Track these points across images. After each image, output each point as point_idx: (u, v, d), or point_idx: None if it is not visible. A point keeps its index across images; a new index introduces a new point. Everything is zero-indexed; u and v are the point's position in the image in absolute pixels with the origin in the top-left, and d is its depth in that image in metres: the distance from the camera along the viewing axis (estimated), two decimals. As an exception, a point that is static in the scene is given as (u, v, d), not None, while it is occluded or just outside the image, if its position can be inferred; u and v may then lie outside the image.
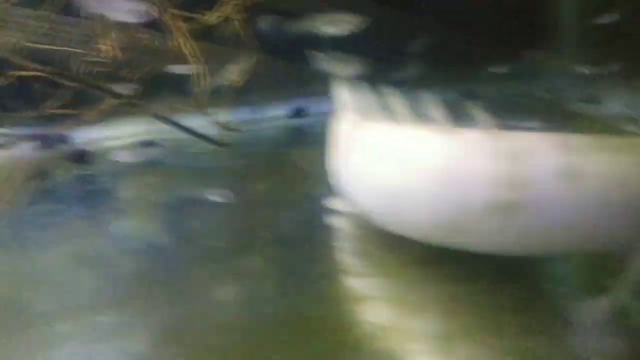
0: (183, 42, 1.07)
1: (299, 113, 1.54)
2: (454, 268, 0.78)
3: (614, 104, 1.40)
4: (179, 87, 1.27)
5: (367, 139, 0.86)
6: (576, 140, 0.65)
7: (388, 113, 0.85)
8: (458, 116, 0.77)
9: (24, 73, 1.08)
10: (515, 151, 0.68)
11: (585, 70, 1.32)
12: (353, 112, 0.93)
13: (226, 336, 0.68)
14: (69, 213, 1.07)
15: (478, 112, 0.74)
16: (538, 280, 0.77)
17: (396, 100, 0.85)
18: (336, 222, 0.95)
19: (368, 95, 0.91)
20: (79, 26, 1.15)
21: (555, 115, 1.45)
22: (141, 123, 1.39)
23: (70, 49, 1.14)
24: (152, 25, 1.18)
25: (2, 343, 0.67)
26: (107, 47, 1.04)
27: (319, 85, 1.13)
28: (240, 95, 1.39)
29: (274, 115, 1.57)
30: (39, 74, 1.08)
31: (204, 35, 1.21)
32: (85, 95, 1.23)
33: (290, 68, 1.43)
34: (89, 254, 0.90)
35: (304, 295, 0.77)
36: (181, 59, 1.17)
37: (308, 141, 1.04)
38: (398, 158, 0.78)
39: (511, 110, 1.48)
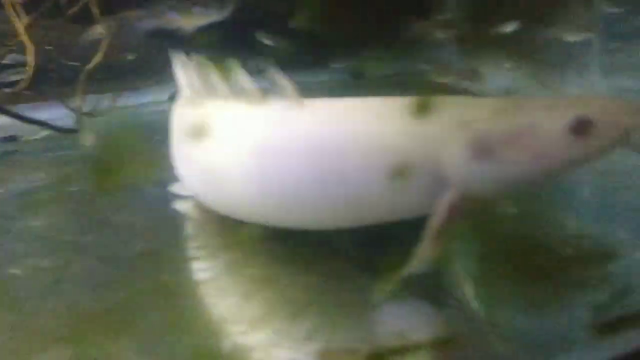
0: (15, 18, 1.00)
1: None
2: (277, 248, 0.75)
3: (495, 78, 1.40)
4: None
5: (190, 118, 0.82)
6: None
7: (215, 90, 0.81)
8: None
9: None
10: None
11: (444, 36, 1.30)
12: (185, 90, 0.88)
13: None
14: None
15: (286, 86, 0.71)
16: (364, 256, 0.74)
17: (228, 75, 0.81)
18: (179, 206, 0.91)
19: (204, 72, 0.86)
20: None
21: (435, 91, 1.44)
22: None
23: None
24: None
25: None
26: None
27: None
28: (120, 79, 1.33)
29: (156, 99, 1.51)
30: None
31: (54, 13, 1.14)
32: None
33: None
34: None
35: (121, 283, 0.72)
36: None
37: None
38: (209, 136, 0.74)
39: (394, 89, 1.48)
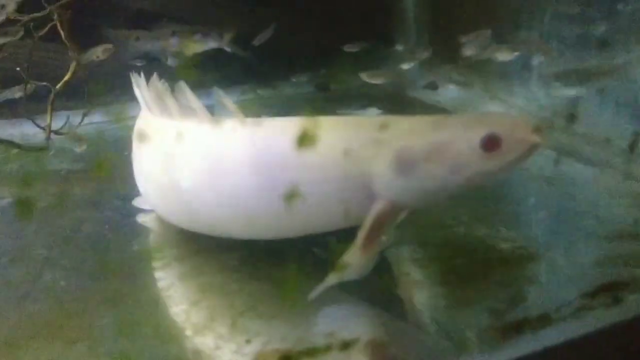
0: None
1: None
2: (230, 257, 0.80)
3: (447, 89, 1.47)
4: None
5: (148, 134, 0.87)
6: None
7: (167, 108, 0.86)
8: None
9: None
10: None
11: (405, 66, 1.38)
12: (144, 107, 0.93)
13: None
14: None
15: (231, 105, 0.76)
16: (308, 264, 0.79)
17: (183, 94, 0.86)
18: (141, 219, 0.96)
19: (157, 91, 0.90)
20: None
21: (396, 102, 1.51)
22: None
23: None
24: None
25: None
26: None
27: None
28: (89, 95, 1.37)
29: (128, 115, 1.55)
30: None
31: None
32: None
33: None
34: None
35: (83, 293, 0.77)
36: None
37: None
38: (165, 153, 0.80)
39: (358, 100, 1.54)
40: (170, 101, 0.82)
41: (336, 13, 1.58)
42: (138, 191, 0.96)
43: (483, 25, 1.15)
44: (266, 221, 0.70)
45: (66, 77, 1.26)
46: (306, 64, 1.55)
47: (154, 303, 0.74)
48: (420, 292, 0.72)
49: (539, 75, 1.14)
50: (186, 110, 0.79)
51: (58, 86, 1.24)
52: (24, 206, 0.85)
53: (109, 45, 1.18)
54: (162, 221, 0.91)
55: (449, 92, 1.48)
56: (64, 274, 0.82)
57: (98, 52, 1.18)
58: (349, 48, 1.37)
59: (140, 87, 0.92)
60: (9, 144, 1.17)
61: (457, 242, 0.81)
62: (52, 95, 1.24)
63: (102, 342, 0.66)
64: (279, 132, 0.69)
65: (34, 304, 0.75)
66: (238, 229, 0.73)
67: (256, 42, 1.44)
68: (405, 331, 0.67)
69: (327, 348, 0.58)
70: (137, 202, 0.97)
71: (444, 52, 1.33)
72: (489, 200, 0.92)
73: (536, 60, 1.12)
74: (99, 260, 0.86)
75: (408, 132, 0.65)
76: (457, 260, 0.76)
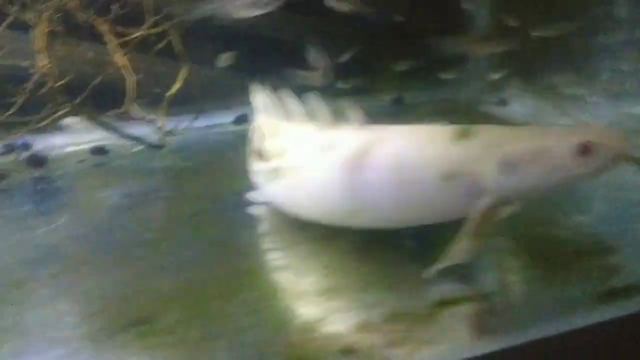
0: (117, 54, 1.22)
1: (242, 119, 1.68)
2: (343, 242, 0.93)
3: (517, 105, 1.60)
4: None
5: (272, 139, 1.02)
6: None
7: (292, 115, 1.01)
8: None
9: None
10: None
11: (495, 76, 1.51)
12: (264, 115, 1.08)
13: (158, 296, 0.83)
14: (21, 208, 1.20)
15: (354, 113, 0.90)
16: (411, 250, 0.92)
17: (299, 102, 1.01)
18: (255, 210, 1.10)
19: (278, 99, 1.05)
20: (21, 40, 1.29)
21: (469, 116, 1.64)
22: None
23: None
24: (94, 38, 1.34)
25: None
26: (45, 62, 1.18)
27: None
28: (191, 104, 1.54)
29: (221, 121, 1.72)
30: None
31: (143, 48, 1.36)
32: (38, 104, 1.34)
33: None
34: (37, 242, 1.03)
35: (218, 266, 0.91)
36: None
37: (246, 144, 1.17)
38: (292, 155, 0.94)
39: (433, 113, 1.67)
40: (295, 108, 0.97)
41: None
42: (248, 186, 1.10)
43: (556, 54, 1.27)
44: (407, 210, 0.83)
45: (177, 85, 1.43)
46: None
47: (285, 275, 0.88)
48: (515, 274, 0.85)
49: (606, 94, 1.26)
50: (312, 117, 0.94)
51: (170, 93, 1.42)
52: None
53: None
54: (274, 212, 1.05)
55: (519, 108, 1.61)
56: (195, 254, 0.95)
57: (227, 59, 1.35)
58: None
59: (261, 94, 1.07)
60: (137, 141, 1.34)
61: (548, 236, 0.94)
62: (165, 101, 1.41)
63: (250, 303, 0.80)
64: (428, 137, 0.83)
65: (180, 274, 0.89)
66: (381, 218, 0.86)
67: (339, 60, 1.59)
68: (502, 304, 0.79)
69: (471, 297, 0.73)
70: (251, 196, 1.11)
71: (517, 73, 1.45)
72: (573, 203, 1.04)
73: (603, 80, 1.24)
74: (222, 243, 0.99)
75: (512, 139, 0.78)
76: (549, 252, 0.88)
